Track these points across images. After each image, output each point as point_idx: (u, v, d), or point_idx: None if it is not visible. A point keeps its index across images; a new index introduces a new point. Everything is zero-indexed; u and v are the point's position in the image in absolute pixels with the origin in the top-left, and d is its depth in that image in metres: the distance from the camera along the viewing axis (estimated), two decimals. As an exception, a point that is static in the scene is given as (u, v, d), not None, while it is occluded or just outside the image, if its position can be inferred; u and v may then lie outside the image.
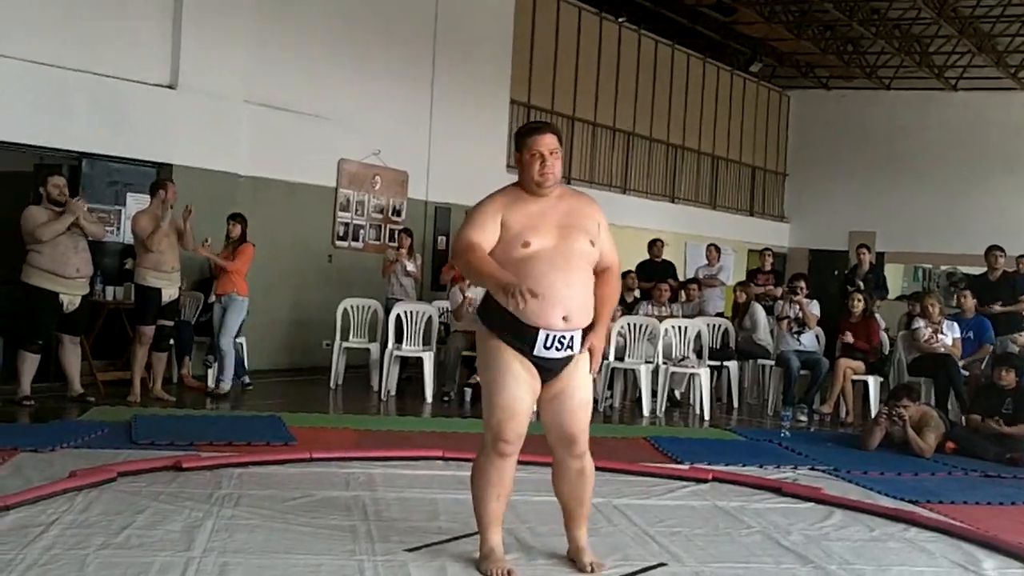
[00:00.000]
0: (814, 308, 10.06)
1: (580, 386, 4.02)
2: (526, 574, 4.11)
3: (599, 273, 4.07)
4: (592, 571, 4.12)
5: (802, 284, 10.14)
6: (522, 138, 4.01)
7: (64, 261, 7.72)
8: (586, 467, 4.14)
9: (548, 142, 3.96)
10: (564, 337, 3.88)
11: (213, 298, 9.17)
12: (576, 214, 4.00)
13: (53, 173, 8.15)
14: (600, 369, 4.10)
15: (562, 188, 4.12)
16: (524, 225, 3.91)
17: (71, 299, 7.85)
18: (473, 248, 3.90)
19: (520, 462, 4.16)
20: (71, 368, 8.13)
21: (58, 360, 8.16)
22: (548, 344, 3.87)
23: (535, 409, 4.06)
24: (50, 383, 8.35)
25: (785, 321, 10.01)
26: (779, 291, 11.61)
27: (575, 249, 3.91)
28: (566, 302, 3.86)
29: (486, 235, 3.93)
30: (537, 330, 3.86)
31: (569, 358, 3.96)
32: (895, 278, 19.68)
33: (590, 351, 3.99)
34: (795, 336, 9.91)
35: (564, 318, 3.87)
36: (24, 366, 7.78)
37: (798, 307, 9.96)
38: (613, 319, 9.92)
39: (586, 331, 3.98)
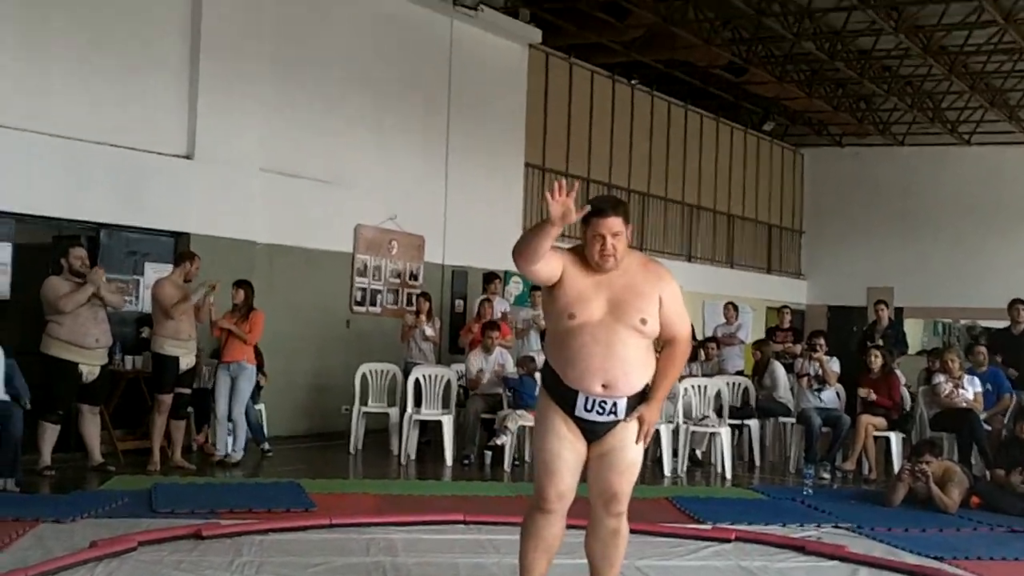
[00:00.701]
0: (834, 365, 10.02)
1: (628, 447, 4.01)
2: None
3: (664, 345, 4.10)
4: None
5: (821, 341, 10.11)
6: (586, 217, 3.93)
7: (84, 332, 7.79)
8: (621, 529, 4.15)
9: (611, 224, 3.91)
10: (605, 402, 3.92)
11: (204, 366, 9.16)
12: (633, 291, 3.95)
13: (73, 244, 8.26)
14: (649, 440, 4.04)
15: (634, 258, 4.07)
16: (576, 297, 3.94)
17: (91, 369, 7.91)
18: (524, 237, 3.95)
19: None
20: (91, 438, 8.16)
21: (78, 430, 8.18)
22: (588, 407, 3.93)
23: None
24: (70, 453, 8.37)
25: (805, 378, 9.97)
26: (798, 348, 11.56)
27: (622, 325, 3.91)
28: (605, 373, 3.91)
29: (550, 259, 3.93)
30: (576, 393, 3.94)
31: (616, 422, 3.97)
32: (914, 333, 19.60)
33: (639, 420, 3.99)
34: (815, 393, 9.86)
35: (603, 386, 3.92)
36: (44, 437, 7.82)
37: (818, 364, 9.93)
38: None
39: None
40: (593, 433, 3.99)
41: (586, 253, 3.97)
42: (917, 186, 20.34)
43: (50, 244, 9.07)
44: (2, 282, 8.53)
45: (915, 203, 20.24)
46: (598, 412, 3.93)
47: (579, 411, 3.95)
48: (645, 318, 3.93)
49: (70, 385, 7.84)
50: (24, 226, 8.79)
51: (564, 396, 3.98)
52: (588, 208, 3.87)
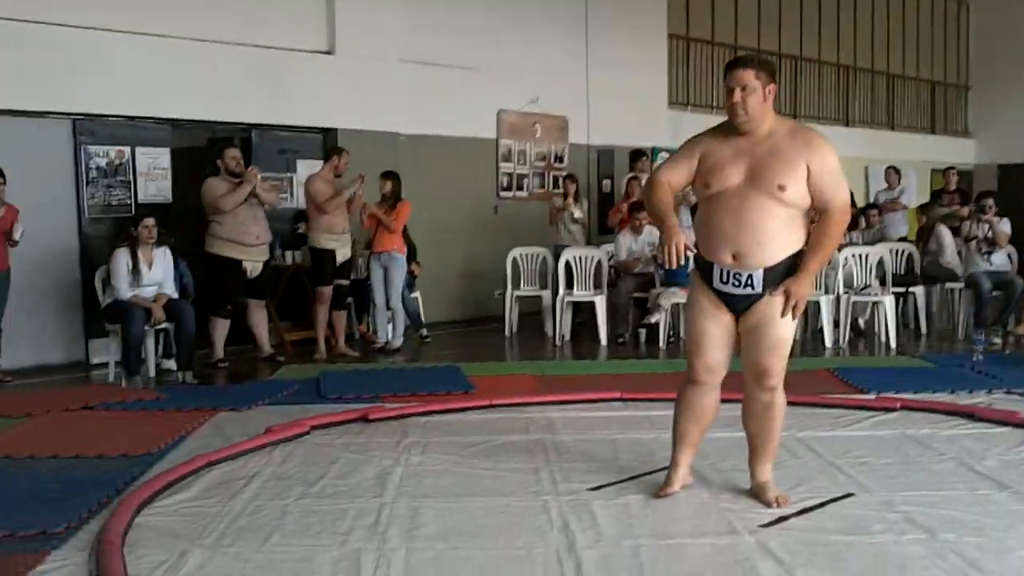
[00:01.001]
0: (1004, 226, 9.54)
1: (774, 322, 3.94)
2: (711, 510, 4.08)
3: (818, 215, 3.98)
4: (777, 505, 4.07)
5: (990, 202, 9.62)
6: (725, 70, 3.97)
7: (244, 230, 8.05)
8: (776, 401, 4.12)
9: (740, 77, 3.88)
10: (740, 274, 3.90)
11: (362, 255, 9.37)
12: (776, 156, 3.86)
13: (227, 146, 8.49)
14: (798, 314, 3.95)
15: (784, 125, 3.98)
16: (713, 166, 3.95)
17: (254, 265, 8.20)
18: (656, 186, 4.08)
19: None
20: (259, 330, 8.51)
21: (247, 324, 8.54)
22: (724, 279, 3.94)
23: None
24: (241, 346, 8.76)
25: (974, 242, 9.54)
26: (966, 211, 11.04)
27: (758, 192, 3.85)
28: (734, 243, 3.90)
29: (676, 173, 4.08)
30: (711, 264, 3.94)
31: (759, 295, 3.91)
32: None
33: (785, 293, 3.90)
34: (985, 257, 9.42)
35: (734, 256, 3.91)
36: (216, 331, 8.20)
37: (987, 226, 9.47)
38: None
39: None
40: (736, 307, 3.97)
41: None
42: (1095, 29, 18.90)
43: (205, 147, 9.36)
44: (164, 186, 8.87)
45: (1093, 48, 18.85)
46: (734, 284, 3.93)
47: (715, 283, 3.96)
48: (784, 184, 3.83)
49: (236, 281, 8.16)
50: (179, 131, 9.09)
51: (704, 269, 3.99)
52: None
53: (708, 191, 3.95)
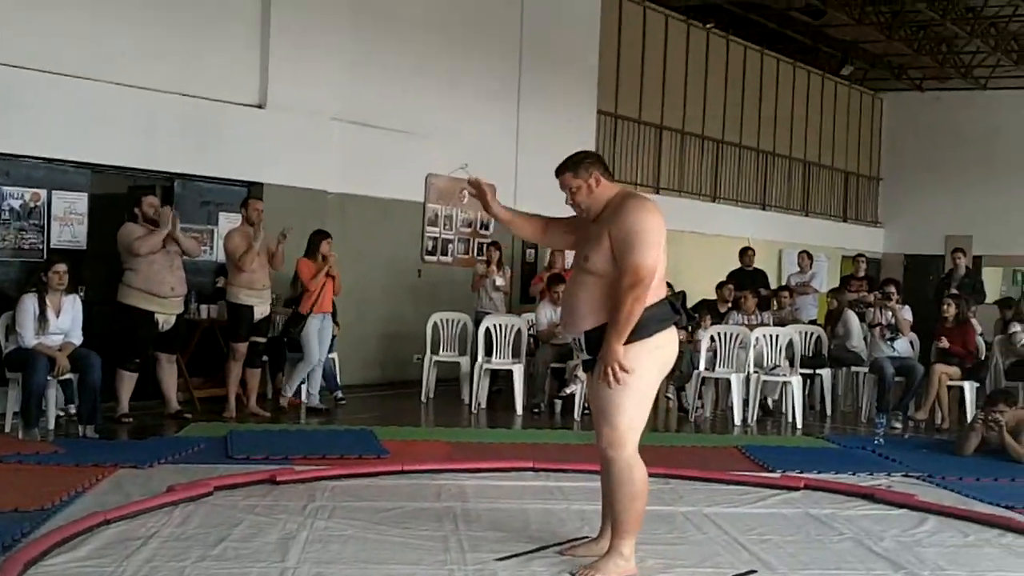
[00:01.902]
0: (906, 313, 9.86)
1: (600, 388, 4.14)
2: None
3: None
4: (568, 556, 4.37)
5: (893, 289, 9.94)
6: None
7: (159, 280, 7.93)
8: (614, 467, 4.19)
9: (563, 182, 4.33)
10: (577, 339, 4.32)
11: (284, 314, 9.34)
12: (598, 229, 4.18)
13: (146, 193, 8.39)
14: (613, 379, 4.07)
15: (617, 198, 4.24)
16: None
17: (166, 318, 8.06)
18: (537, 219, 4.78)
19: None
20: (168, 386, 8.34)
21: (155, 378, 8.37)
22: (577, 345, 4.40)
23: None
24: (148, 400, 8.56)
25: (878, 328, 9.82)
26: (872, 297, 11.37)
27: (576, 267, 4.32)
28: (563, 311, 4.43)
29: (562, 224, 4.66)
30: None
31: (594, 360, 4.18)
32: (993, 282, 19.09)
33: (601, 361, 4.09)
34: (888, 343, 9.70)
35: (564, 324, 4.45)
36: (122, 384, 8.02)
37: (890, 313, 9.76)
38: (703, 327, 9.85)
39: None
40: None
41: None
42: (999, 131, 19.73)
43: (125, 194, 9.23)
44: (79, 231, 8.70)
45: (997, 149, 19.66)
46: (577, 348, 4.38)
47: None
48: (588, 254, 4.17)
49: (146, 333, 8.01)
50: (99, 177, 8.93)
51: None
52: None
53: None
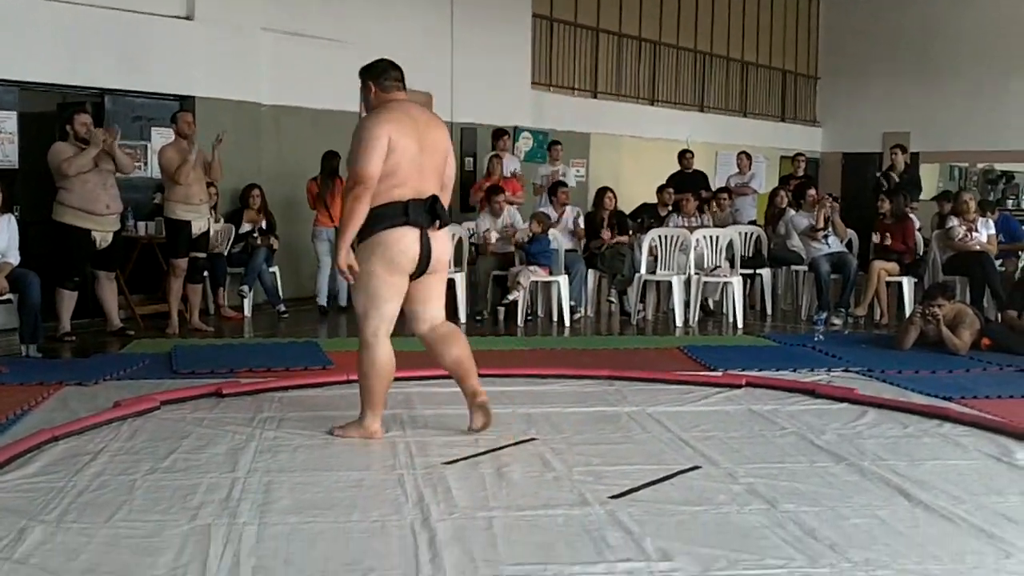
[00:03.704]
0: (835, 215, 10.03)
1: None
2: (563, 483, 4.18)
3: None
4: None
5: (812, 191, 10.17)
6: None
7: (94, 198, 7.78)
8: (361, 351, 4.79)
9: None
10: None
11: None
12: None
13: (77, 111, 8.18)
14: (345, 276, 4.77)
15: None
16: None
17: (103, 235, 7.93)
18: None
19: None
20: (109, 303, 8.26)
21: (96, 296, 8.28)
22: None
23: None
24: (89, 319, 8.49)
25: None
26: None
27: None
28: None
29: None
30: None
31: None
32: (930, 178, 19.36)
33: None
34: (823, 239, 9.79)
35: None
36: (62, 303, 7.90)
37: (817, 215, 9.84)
38: (643, 231, 9.92)
39: None
40: None
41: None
42: (937, 27, 19.76)
43: (55, 112, 9.00)
44: (10, 151, 8.47)
45: (934, 46, 19.72)
46: None
47: None
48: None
49: (84, 251, 7.88)
50: (28, 94, 8.70)
51: None
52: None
53: None
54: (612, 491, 4.01)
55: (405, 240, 4.60)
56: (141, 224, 9.10)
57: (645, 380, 6.33)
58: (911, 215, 10.22)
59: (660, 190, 11.32)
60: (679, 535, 3.53)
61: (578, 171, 14.12)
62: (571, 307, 9.39)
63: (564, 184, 10.39)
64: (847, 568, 3.25)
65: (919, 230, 10.32)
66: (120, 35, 9.07)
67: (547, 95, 14.42)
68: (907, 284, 9.56)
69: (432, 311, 4.94)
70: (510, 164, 11.38)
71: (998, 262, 9.40)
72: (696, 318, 9.61)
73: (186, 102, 9.58)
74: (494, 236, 9.55)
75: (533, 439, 4.83)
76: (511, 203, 10.05)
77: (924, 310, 7.61)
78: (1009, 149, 18.36)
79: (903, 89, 19.78)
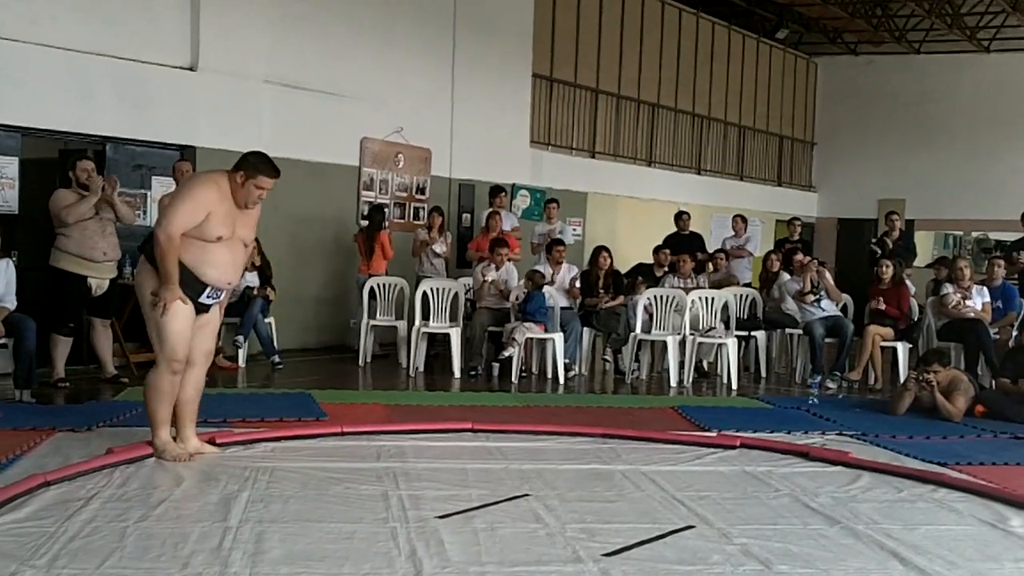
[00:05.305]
0: (828, 278, 10.07)
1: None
2: (556, 539, 4.15)
3: None
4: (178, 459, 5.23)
5: (799, 256, 10.31)
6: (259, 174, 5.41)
7: (91, 245, 7.80)
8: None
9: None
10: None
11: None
12: (247, 215, 5.47)
13: (79, 157, 8.22)
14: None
15: None
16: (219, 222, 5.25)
17: (99, 283, 7.94)
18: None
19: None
20: (103, 351, 8.24)
21: (90, 343, 8.26)
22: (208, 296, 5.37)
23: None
24: (84, 366, 8.47)
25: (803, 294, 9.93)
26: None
27: (239, 235, 5.41)
28: (233, 269, 5.45)
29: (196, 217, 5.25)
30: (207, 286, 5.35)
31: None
32: (925, 245, 19.51)
33: None
34: (816, 303, 9.82)
35: (232, 279, 5.53)
36: (57, 350, 7.89)
37: (808, 278, 9.88)
38: (638, 292, 9.94)
39: None
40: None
41: (241, 195, 5.31)
42: (932, 95, 20.05)
43: (56, 159, 9.05)
44: (10, 196, 8.52)
45: (930, 113, 19.99)
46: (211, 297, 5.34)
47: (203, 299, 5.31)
48: (246, 231, 5.46)
49: (80, 298, 7.88)
50: (30, 140, 8.76)
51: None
52: None
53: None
54: (605, 548, 3.99)
55: None
56: (138, 272, 9.08)
57: (640, 439, 6.33)
58: (906, 280, 10.27)
59: (656, 251, 11.38)
60: (673, 594, 3.51)
61: (575, 230, 14.22)
62: (566, 365, 9.39)
63: (561, 242, 10.45)
64: (841, 631, 3.23)
65: (914, 296, 10.36)
66: (124, 84, 9.16)
67: (545, 154, 14.57)
68: (901, 349, 9.58)
69: None
70: (507, 220, 11.45)
71: (993, 330, 9.42)
72: (691, 379, 9.61)
73: (187, 151, 9.66)
74: (492, 274, 9.55)
75: (527, 495, 4.81)
76: (511, 259, 10.10)
77: (919, 376, 7.63)
78: (1003, 218, 18.49)
79: (899, 156, 20.01)
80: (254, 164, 5.36)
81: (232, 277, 5.41)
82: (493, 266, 9.67)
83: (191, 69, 9.78)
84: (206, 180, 5.29)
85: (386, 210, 11.65)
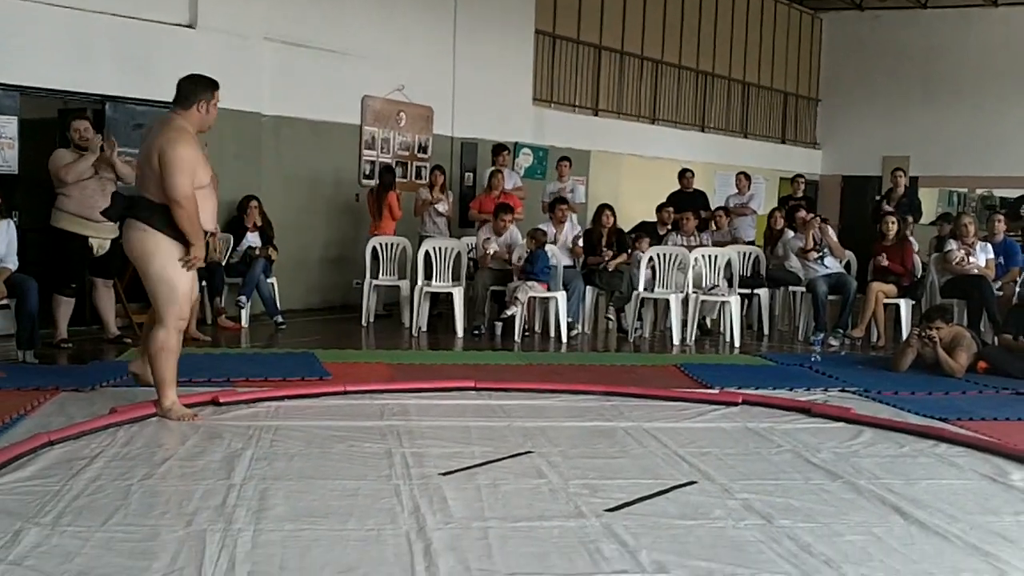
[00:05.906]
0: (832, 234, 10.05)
1: None
2: (559, 495, 4.17)
3: None
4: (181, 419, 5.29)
5: (801, 214, 10.17)
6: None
7: (92, 205, 7.78)
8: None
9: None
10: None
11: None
12: None
13: (76, 117, 8.18)
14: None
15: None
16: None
17: (100, 243, 7.93)
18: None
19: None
20: (106, 311, 8.25)
21: (93, 303, 8.27)
22: None
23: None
24: (86, 326, 8.48)
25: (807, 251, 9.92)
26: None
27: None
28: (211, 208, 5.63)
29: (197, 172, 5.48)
30: None
31: None
32: (929, 202, 19.40)
33: None
34: (819, 261, 9.82)
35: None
36: (59, 310, 7.89)
37: (811, 233, 9.86)
38: (642, 249, 9.93)
39: None
40: None
41: (208, 120, 5.77)
42: (939, 51, 19.84)
43: (56, 118, 9.01)
44: (10, 156, 8.47)
45: (936, 69, 19.79)
46: None
47: None
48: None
49: (81, 258, 7.88)
50: (29, 100, 8.69)
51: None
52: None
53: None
54: (608, 504, 4.01)
55: None
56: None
57: (642, 396, 6.34)
58: (910, 237, 10.24)
59: (660, 209, 11.36)
60: (674, 548, 3.53)
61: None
62: (568, 323, 9.40)
63: (564, 201, 10.41)
64: (842, 584, 3.25)
65: (917, 253, 10.34)
66: (123, 42, 9.09)
67: (548, 111, 14.48)
68: (904, 306, 9.57)
69: None
70: (510, 179, 11.40)
71: (996, 285, 9.40)
72: (693, 337, 9.61)
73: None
74: (493, 247, 9.55)
75: (529, 452, 4.83)
76: (515, 218, 10.06)
77: (921, 332, 7.63)
78: (1008, 175, 18.41)
79: (903, 112, 19.84)
80: (204, 86, 5.76)
81: (214, 220, 5.74)
82: (494, 238, 9.63)
83: (190, 27, 9.70)
84: (186, 138, 5.47)
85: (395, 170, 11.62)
